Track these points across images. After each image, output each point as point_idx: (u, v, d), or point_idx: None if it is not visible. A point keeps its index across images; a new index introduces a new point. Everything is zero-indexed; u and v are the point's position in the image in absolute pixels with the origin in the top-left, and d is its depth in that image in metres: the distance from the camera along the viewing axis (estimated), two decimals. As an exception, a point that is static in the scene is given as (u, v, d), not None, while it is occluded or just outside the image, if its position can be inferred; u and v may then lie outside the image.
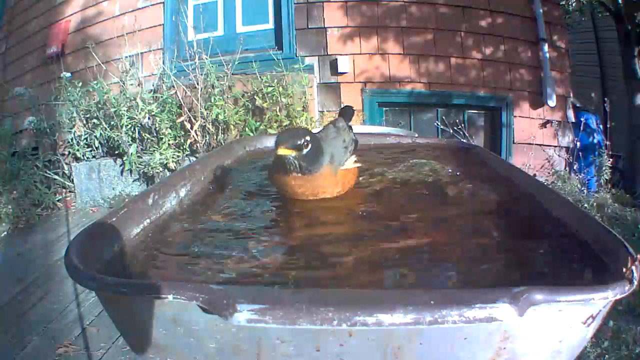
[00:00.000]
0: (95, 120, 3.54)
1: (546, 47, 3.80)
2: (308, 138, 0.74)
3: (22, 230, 3.30)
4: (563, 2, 4.19)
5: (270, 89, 3.39)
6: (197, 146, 3.48)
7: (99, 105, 3.55)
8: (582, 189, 3.41)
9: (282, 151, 0.73)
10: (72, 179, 3.65)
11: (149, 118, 3.49)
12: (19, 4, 4.90)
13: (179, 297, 0.40)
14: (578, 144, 3.56)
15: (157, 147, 3.47)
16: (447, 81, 3.83)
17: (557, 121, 3.87)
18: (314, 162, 0.75)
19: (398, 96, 3.87)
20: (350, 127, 0.92)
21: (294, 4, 3.81)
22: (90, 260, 0.49)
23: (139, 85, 3.63)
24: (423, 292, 0.40)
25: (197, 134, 3.44)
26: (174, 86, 3.51)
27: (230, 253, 0.59)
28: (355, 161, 0.84)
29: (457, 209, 0.74)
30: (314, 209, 0.74)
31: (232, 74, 3.46)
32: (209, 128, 3.45)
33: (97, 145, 3.60)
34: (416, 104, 3.94)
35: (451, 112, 3.90)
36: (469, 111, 3.97)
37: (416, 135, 1.05)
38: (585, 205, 2.88)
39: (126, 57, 3.66)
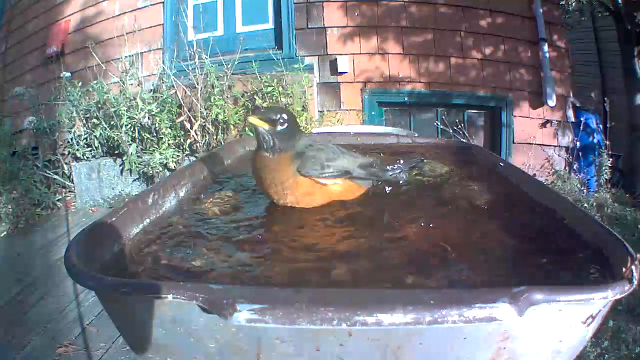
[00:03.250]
0: (95, 120, 3.54)
1: (546, 47, 3.81)
2: (285, 117, 0.71)
3: (22, 230, 3.30)
4: (563, 2, 4.18)
5: (270, 89, 3.40)
6: (197, 146, 3.48)
7: (99, 105, 3.55)
8: (582, 189, 3.41)
9: (252, 119, 0.70)
10: (72, 179, 3.65)
11: (149, 118, 3.49)
12: (19, 4, 4.90)
13: (179, 297, 0.40)
14: (578, 144, 3.56)
15: (157, 147, 3.47)
16: (447, 81, 3.83)
17: (557, 121, 3.87)
18: (286, 143, 0.71)
19: (398, 96, 3.87)
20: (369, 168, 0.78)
21: (294, 4, 3.81)
22: (90, 260, 0.49)
23: (139, 85, 3.63)
24: (423, 292, 0.40)
25: (197, 134, 3.45)
26: (174, 86, 3.51)
27: (230, 253, 0.59)
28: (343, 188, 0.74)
29: (456, 209, 0.74)
30: (312, 208, 0.74)
31: (232, 74, 3.46)
32: (209, 128, 3.45)
33: (97, 145, 3.60)
34: (416, 104, 3.94)
35: (451, 112, 3.90)
36: (469, 111, 3.98)
37: (416, 135, 1.05)
38: (585, 205, 2.88)
39: (126, 57, 3.66)
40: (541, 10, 3.83)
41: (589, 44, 5.97)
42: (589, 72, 5.82)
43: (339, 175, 0.73)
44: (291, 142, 0.72)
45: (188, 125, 3.45)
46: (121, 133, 3.42)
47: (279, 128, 0.70)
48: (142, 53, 3.90)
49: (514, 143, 3.88)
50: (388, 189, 0.80)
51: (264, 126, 0.70)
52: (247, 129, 3.39)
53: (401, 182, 0.83)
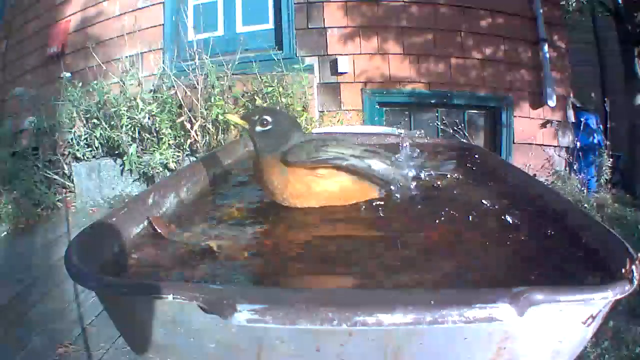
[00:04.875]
0: (95, 120, 3.54)
1: (546, 47, 3.80)
2: (269, 119, 0.69)
3: (22, 230, 3.29)
4: (563, 2, 4.18)
5: (270, 89, 3.39)
6: (197, 146, 3.48)
7: (99, 105, 3.55)
8: (582, 189, 3.41)
9: (228, 116, 0.71)
10: (72, 179, 3.65)
11: (149, 118, 3.49)
12: (19, 4, 4.90)
13: (179, 297, 0.40)
14: (578, 144, 3.56)
15: (157, 147, 3.47)
16: (447, 81, 3.83)
17: (557, 121, 3.87)
18: (274, 143, 0.69)
19: (398, 96, 3.86)
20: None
21: (294, 4, 3.81)
22: (90, 260, 0.49)
23: (139, 85, 3.63)
24: (423, 292, 0.40)
25: (197, 134, 3.44)
26: (174, 86, 3.51)
27: (230, 253, 0.59)
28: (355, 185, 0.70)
29: (456, 209, 0.74)
30: (312, 208, 0.74)
31: (232, 74, 3.45)
32: (209, 128, 3.45)
33: (97, 145, 3.60)
34: (416, 104, 3.94)
35: (451, 112, 3.90)
36: (469, 111, 3.97)
37: (416, 134, 1.05)
38: (585, 205, 2.88)
39: (126, 57, 3.66)
40: (541, 10, 3.82)
41: (589, 44, 5.96)
42: (589, 72, 5.82)
43: (323, 160, 0.68)
44: (281, 142, 0.70)
45: (188, 125, 3.45)
46: (121, 133, 3.42)
47: (259, 128, 0.70)
48: (142, 53, 3.90)
49: (514, 143, 3.87)
50: (398, 195, 0.75)
51: (238, 123, 0.70)
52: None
53: (413, 191, 0.75)
